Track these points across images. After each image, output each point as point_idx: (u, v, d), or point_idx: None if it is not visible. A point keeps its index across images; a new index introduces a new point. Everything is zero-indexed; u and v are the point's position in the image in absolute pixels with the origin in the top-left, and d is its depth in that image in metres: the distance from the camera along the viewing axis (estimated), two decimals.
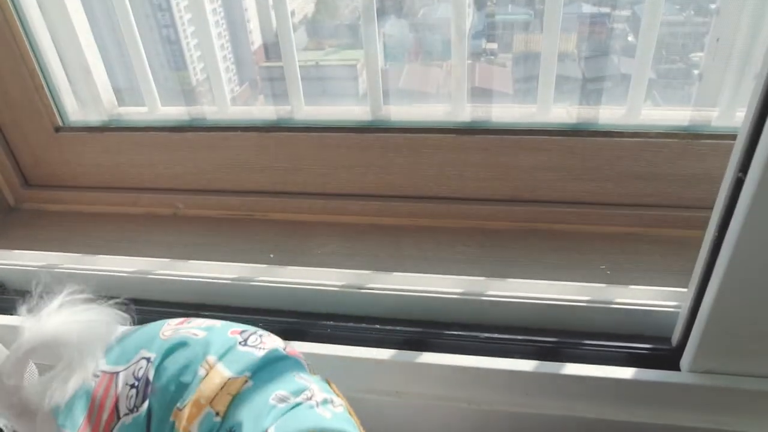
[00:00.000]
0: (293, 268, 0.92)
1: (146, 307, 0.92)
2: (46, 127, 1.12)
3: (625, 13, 1.08)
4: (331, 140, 1.02)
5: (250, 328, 0.61)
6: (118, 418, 0.54)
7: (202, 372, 0.54)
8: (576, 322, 0.81)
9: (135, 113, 1.14)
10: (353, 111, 1.05)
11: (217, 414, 0.51)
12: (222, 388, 0.53)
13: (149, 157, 1.12)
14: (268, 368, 0.55)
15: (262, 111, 1.10)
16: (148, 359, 0.56)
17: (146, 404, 0.53)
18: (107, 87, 1.14)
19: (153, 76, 1.08)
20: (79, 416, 0.53)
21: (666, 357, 0.75)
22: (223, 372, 0.54)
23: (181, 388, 0.54)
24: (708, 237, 0.67)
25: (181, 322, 0.62)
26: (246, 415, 0.50)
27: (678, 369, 0.73)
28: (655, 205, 0.96)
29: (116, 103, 1.16)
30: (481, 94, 1.07)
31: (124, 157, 1.13)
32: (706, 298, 0.67)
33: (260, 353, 0.56)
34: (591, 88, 1.07)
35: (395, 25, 1.11)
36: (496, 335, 0.79)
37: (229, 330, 0.59)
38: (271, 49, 1.21)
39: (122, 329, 0.60)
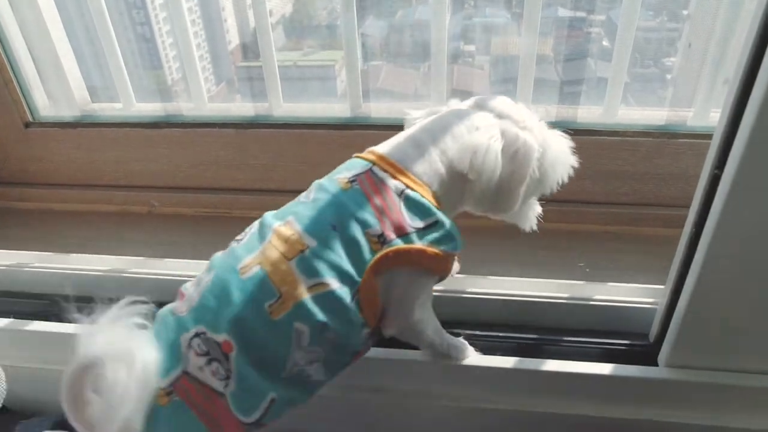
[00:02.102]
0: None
1: None
2: (16, 122, 1.09)
3: (601, 17, 1.10)
4: (310, 137, 1.02)
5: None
6: None
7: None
8: (555, 319, 0.81)
9: (109, 109, 1.12)
10: (332, 108, 1.05)
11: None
12: None
13: (124, 154, 1.09)
14: None
15: (240, 108, 1.08)
16: None
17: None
18: (80, 82, 1.11)
19: (128, 74, 1.06)
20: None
21: (644, 353, 0.76)
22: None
23: None
24: (685, 233, 0.68)
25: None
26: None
27: (656, 364, 0.74)
28: (632, 203, 0.98)
29: (89, 99, 1.13)
30: (459, 95, 1.07)
31: (98, 153, 1.10)
32: (683, 294, 0.68)
33: None
34: (568, 90, 1.08)
35: (373, 26, 1.11)
36: (477, 332, 0.79)
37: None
38: (249, 48, 1.20)
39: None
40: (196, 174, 1.08)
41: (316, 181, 0.64)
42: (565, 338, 0.79)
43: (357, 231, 0.56)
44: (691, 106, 0.93)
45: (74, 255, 0.97)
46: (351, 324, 0.57)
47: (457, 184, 0.63)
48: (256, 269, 0.55)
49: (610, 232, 0.98)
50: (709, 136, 0.64)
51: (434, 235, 0.59)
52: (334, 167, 1.03)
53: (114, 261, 0.94)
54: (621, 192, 0.97)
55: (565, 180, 0.69)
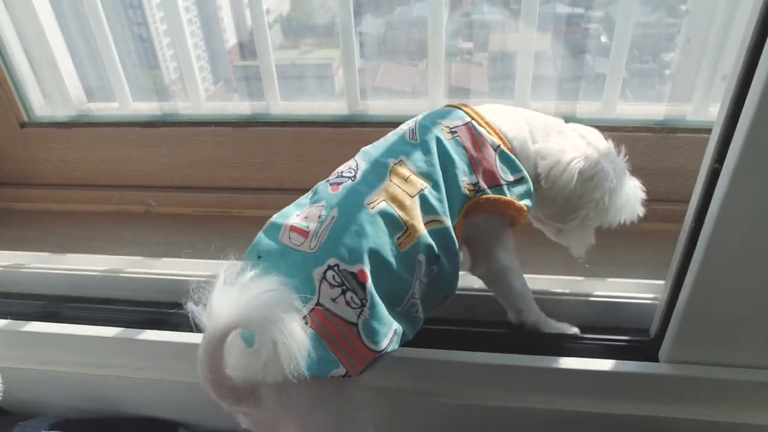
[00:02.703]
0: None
1: (119, 306, 0.89)
2: (11, 122, 1.09)
3: (599, 13, 1.09)
4: (307, 135, 1.01)
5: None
6: None
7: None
8: (555, 315, 0.81)
9: (105, 108, 1.11)
10: (330, 106, 1.04)
11: None
12: None
13: (120, 153, 1.09)
14: None
15: (237, 106, 1.08)
16: None
17: None
18: (75, 82, 1.11)
19: (125, 74, 1.05)
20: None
21: (644, 348, 0.75)
22: None
23: None
24: (685, 228, 0.68)
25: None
26: None
27: (656, 360, 0.74)
28: None
29: (85, 98, 1.12)
30: (457, 92, 1.07)
31: (94, 153, 1.10)
32: (683, 289, 0.68)
33: None
34: (567, 86, 1.08)
35: (371, 23, 1.10)
36: (475, 329, 0.79)
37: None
38: (246, 47, 1.20)
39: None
40: (194, 173, 1.08)
41: (419, 121, 0.67)
42: (569, 333, 0.78)
43: (458, 177, 0.62)
44: (690, 101, 0.93)
45: (71, 255, 0.97)
46: (454, 259, 0.62)
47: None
48: (383, 204, 0.59)
49: (609, 228, 0.98)
50: (708, 131, 0.63)
51: (520, 189, 0.66)
52: (332, 165, 1.02)
53: (111, 261, 0.94)
54: None
55: (626, 223, 0.74)
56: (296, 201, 0.65)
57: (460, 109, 0.68)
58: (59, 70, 1.06)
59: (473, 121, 0.66)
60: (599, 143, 0.72)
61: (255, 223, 1.06)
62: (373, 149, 0.65)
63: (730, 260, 0.63)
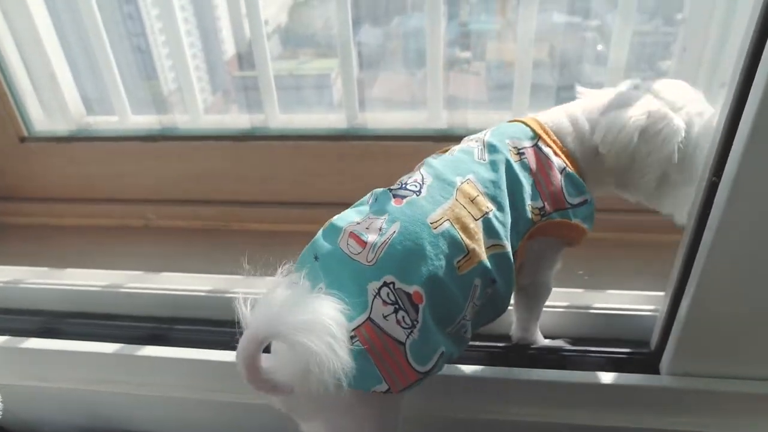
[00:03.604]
0: (270, 279, 0.90)
1: (118, 322, 0.89)
2: (11, 137, 1.09)
3: (596, 22, 1.10)
4: (306, 148, 1.01)
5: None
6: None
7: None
8: (555, 328, 0.81)
9: (104, 123, 1.11)
10: (329, 119, 1.04)
11: None
12: None
13: (120, 168, 1.09)
14: None
15: (236, 120, 1.08)
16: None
17: None
18: (75, 96, 1.11)
19: (123, 85, 1.05)
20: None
21: (645, 361, 0.75)
22: None
23: None
24: (684, 240, 0.68)
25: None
26: None
27: (657, 372, 0.73)
28: (629, 209, 0.97)
29: (85, 112, 1.13)
30: (455, 101, 1.07)
31: (94, 167, 1.10)
32: (683, 301, 0.68)
33: None
34: (564, 95, 1.08)
35: (369, 33, 1.11)
36: (476, 343, 0.79)
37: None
38: (245, 58, 1.20)
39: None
40: (193, 187, 1.08)
41: (486, 139, 0.65)
42: (566, 347, 0.78)
43: (525, 201, 0.61)
44: None
45: (70, 270, 0.97)
46: (510, 282, 0.62)
47: (593, 156, 0.67)
48: (446, 225, 0.57)
49: (607, 240, 0.98)
50: None
51: (584, 211, 0.65)
52: (331, 178, 1.04)
53: (111, 276, 0.94)
54: (617, 198, 0.96)
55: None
56: (355, 205, 0.64)
57: (527, 125, 0.66)
58: (59, 83, 1.06)
59: (540, 142, 0.65)
60: (678, 95, 0.67)
61: (255, 237, 1.07)
62: (440, 164, 0.63)
63: (731, 272, 0.63)
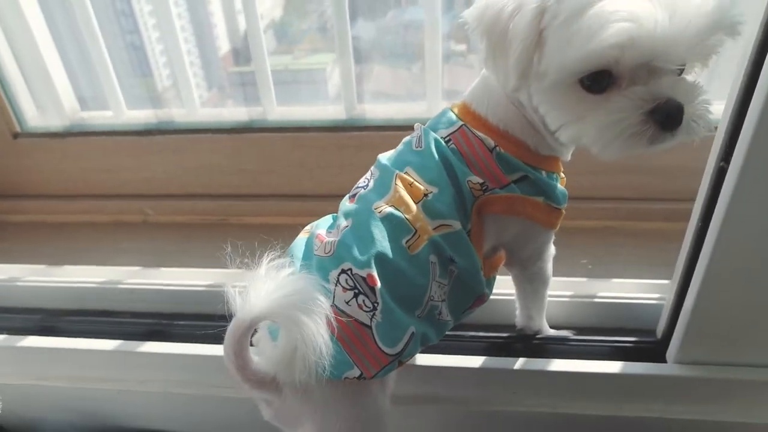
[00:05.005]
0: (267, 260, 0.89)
1: (118, 318, 0.88)
2: (4, 133, 1.07)
3: None
4: (305, 140, 1.00)
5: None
6: None
7: None
8: (560, 318, 0.80)
9: (99, 117, 1.10)
10: (327, 110, 1.03)
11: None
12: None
13: (115, 163, 1.07)
14: None
15: (234, 112, 1.07)
16: None
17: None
18: (69, 91, 1.09)
19: (118, 83, 1.04)
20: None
21: (652, 349, 0.74)
22: None
23: None
24: (691, 227, 0.67)
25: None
26: None
27: (664, 361, 0.73)
28: (631, 198, 0.97)
29: (79, 107, 1.11)
30: (452, 95, 1.06)
31: (89, 163, 1.08)
32: (690, 289, 0.67)
33: None
34: None
35: (364, 27, 1.10)
36: (482, 333, 0.78)
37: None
38: (240, 53, 1.19)
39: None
40: (190, 181, 1.06)
41: (423, 127, 0.65)
42: (571, 337, 0.77)
43: (462, 179, 0.61)
44: None
45: (67, 267, 0.95)
46: (470, 259, 0.61)
47: (517, 116, 0.62)
48: (390, 209, 0.59)
49: (610, 228, 0.97)
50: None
51: (527, 187, 0.62)
52: (331, 170, 1.03)
53: (109, 272, 0.93)
54: (620, 187, 0.96)
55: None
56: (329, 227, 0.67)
57: (454, 113, 0.65)
58: (52, 79, 1.05)
59: (465, 125, 0.63)
60: None
61: (254, 231, 1.05)
62: (386, 159, 0.65)
63: (739, 259, 0.63)
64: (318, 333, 0.50)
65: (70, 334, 0.84)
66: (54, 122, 1.09)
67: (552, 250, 0.71)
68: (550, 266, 0.72)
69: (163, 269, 0.93)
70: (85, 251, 1.03)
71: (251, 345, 0.56)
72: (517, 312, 0.77)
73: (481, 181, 0.61)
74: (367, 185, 0.64)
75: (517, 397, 0.76)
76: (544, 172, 0.63)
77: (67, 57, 1.08)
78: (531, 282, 0.73)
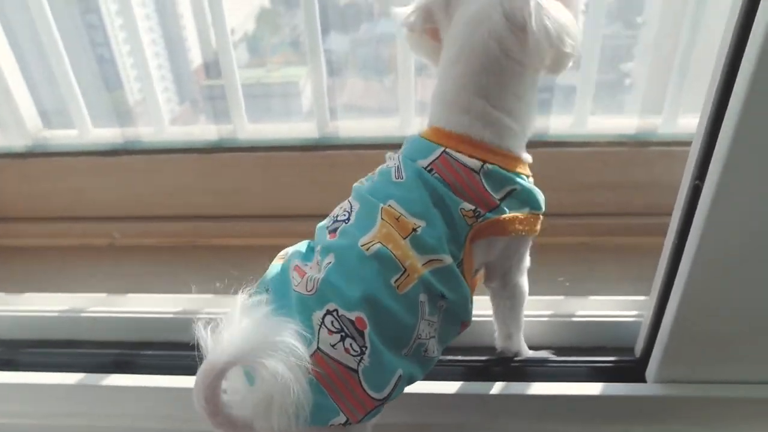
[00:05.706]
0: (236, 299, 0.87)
1: (80, 349, 0.84)
2: None
3: None
4: (276, 160, 0.98)
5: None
6: None
7: None
8: (539, 338, 0.79)
9: (63, 137, 1.06)
10: (299, 128, 1.01)
11: None
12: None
13: (80, 184, 1.04)
14: None
15: (204, 131, 1.04)
16: None
17: None
18: (31, 109, 1.06)
19: (86, 96, 1.01)
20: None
21: (631, 369, 0.74)
22: None
23: None
24: (668, 245, 0.66)
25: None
26: None
27: (644, 380, 0.72)
28: (606, 213, 0.97)
29: (41, 125, 1.07)
30: (425, 107, 1.06)
31: (52, 184, 1.05)
32: (668, 307, 0.67)
33: None
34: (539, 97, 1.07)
35: (336, 41, 1.09)
36: (459, 357, 0.76)
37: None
38: (212, 67, 1.17)
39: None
40: (159, 202, 1.04)
41: (401, 156, 0.63)
42: (551, 358, 0.76)
43: (453, 208, 0.60)
44: (660, 113, 0.93)
45: (28, 295, 0.92)
46: (460, 291, 0.60)
47: (506, 129, 0.63)
48: (378, 246, 0.57)
49: (584, 244, 0.97)
50: (679, 143, 0.62)
51: (515, 201, 0.62)
52: (303, 189, 1.01)
53: (73, 299, 0.89)
54: (595, 203, 0.96)
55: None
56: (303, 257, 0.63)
57: (429, 140, 0.63)
58: (13, 96, 1.01)
59: (446, 150, 0.61)
60: None
61: (223, 253, 1.03)
62: (365, 189, 0.63)
63: (717, 276, 0.62)
64: (296, 383, 0.48)
65: (30, 367, 0.80)
66: (15, 142, 1.05)
67: (527, 261, 0.70)
68: (526, 280, 0.71)
69: (130, 295, 0.90)
70: (48, 277, 0.99)
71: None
72: (496, 334, 0.76)
73: (473, 207, 0.60)
74: (348, 218, 0.61)
75: (498, 422, 0.75)
76: (524, 177, 0.63)
77: (29, 73, 1.05)
78: (510, 298, 0.72)
